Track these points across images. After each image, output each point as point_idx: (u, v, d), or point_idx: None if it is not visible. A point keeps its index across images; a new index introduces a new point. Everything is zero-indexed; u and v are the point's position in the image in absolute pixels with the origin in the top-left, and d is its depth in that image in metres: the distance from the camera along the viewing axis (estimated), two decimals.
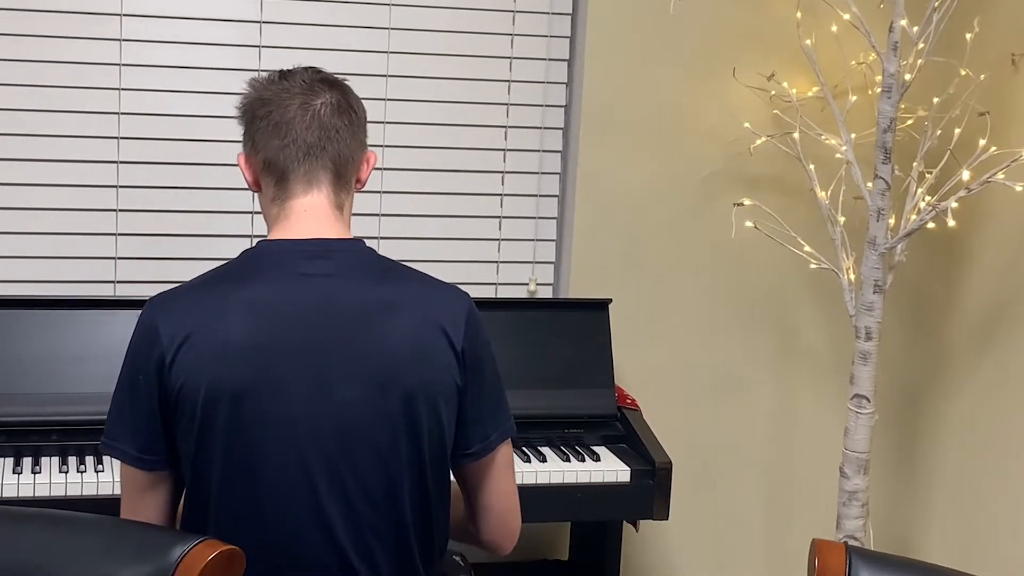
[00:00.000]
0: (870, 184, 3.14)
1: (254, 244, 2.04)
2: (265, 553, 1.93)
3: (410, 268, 2.10)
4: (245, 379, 1.90)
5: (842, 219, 3.28)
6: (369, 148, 2.11)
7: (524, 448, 3.03)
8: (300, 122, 1.99)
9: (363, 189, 3.21)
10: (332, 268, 1.98)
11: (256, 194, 2.09)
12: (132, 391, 1.96)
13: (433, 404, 1.96)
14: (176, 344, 1.91)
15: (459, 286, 3.29)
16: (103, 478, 2.69)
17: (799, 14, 3.25)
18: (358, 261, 2.02)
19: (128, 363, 1.98)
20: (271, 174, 2.01)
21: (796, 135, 3.30)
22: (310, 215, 2.00)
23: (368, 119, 3.22)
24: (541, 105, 3.46)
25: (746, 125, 3.40)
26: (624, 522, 3.24)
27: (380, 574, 1.98)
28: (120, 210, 3.21)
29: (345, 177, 2.04)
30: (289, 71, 2.05)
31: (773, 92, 3.39)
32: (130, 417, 1.97)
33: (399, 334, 1.95)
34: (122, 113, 3.18)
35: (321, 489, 1.92)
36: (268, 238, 2.03)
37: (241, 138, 2.07)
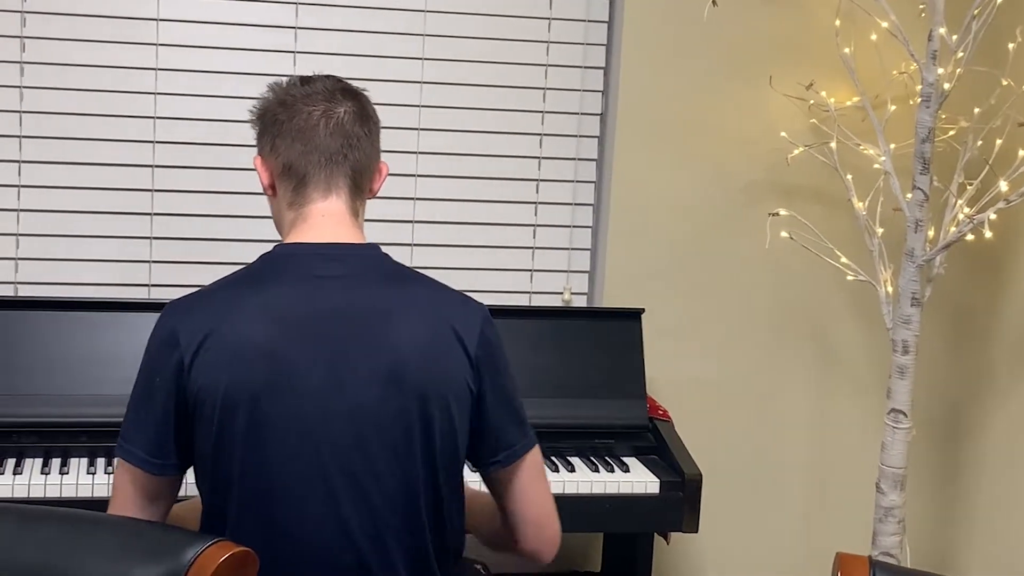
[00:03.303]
0: (908, 195, 3.10)
1: (271, 248, 2.04)
2: (283, 553, 1.93)
3: (424, 274, 2.11)
4: (262, 380, 1.91)
5: (880, 230, 3.24)
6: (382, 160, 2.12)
7: (553, 458, 3.00)
8: (323, 129, 2.00)
9: (398, 196, 3.30)
10: (348, 271, 1.99)
11: (268, 198, 2.09)
12: (148, 395, 1.97)
13: (446, 405, 1.96)
14: (194, 347, 1.92)
15: (493, 294, 3.38)
16: None
17: (838, 22, 3.22)
18: (374, 265, 2.03)
19: (145, 367, 1.99)
20: (290, 178, 2.02)
21: (833, 145, 3.27)
22: (328, 220, 2.02)
23: (402, 126, 3.29)
24: (577, 113, 3.44)
25: (783, 134, 3.37)
26: (655, 534, 3.20)
27: (396, 573, 1.97)
28: (155, 214, 3.23)
29: (361, 185, 2.06)
30: (310, 78, 2.07)
31: (812, 101, 3.36)
32: (144, 421, 1.97)
33: (412, 335, 1.96)
34: (158, 117, 3.20)
35: (338, 489, 1.93)
36: (285, 242, 2.04)
37: (256, 141, 2.08)
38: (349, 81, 2.11)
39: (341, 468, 1.92)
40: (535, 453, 2.10)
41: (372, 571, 1.95)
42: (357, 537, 1.94)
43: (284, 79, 2.09)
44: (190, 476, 2.03)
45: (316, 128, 2.00)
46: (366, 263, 2.02)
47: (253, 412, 1.91)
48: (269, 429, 1.91)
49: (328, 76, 2.08)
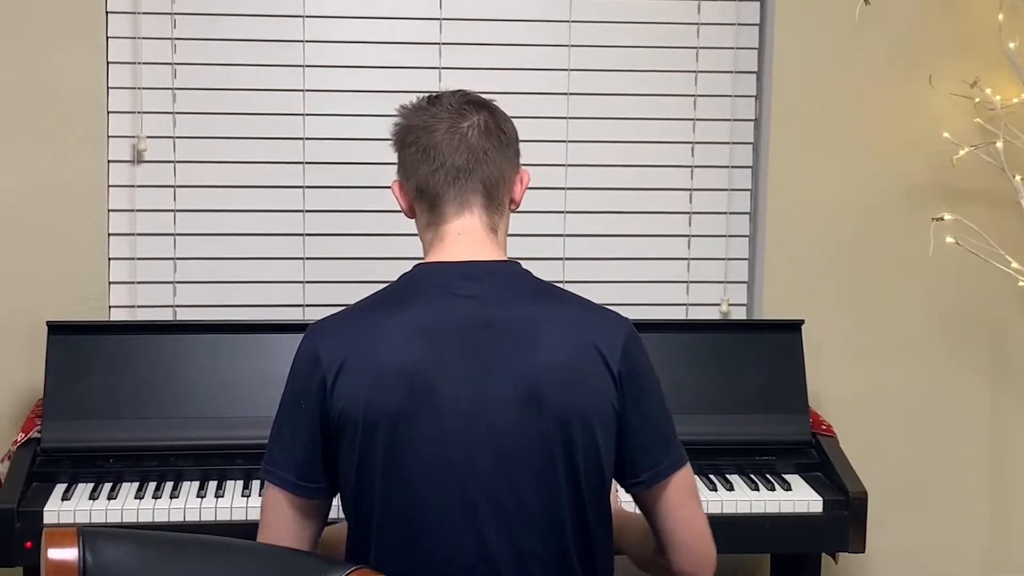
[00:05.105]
0: None
1: (411, 268, 2.02)
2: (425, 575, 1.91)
3: (565, 290, 2.06)
4: (401, 401, 1.89)
5: None
6: (522, 167, 2.07)
7: (711, 476, 2.93)
8: (448, 146, 1.97)
9: (548, 210, 3.26)
10: (486, 289, 1.96)
11: (413, 220, 2.08)
12: (293, 418, 1.96)
13: (588, 426, 1.91)
14: (335, 368, 1.91)
15: (648, 307, 3.32)
16: None
17: (1001, 16, 3.08)
18: (512, 282, 2.00)
19: (289, 390, 1.98)
20: (424, 200, 2.01)
21: (1000, 144, 3.13)
22: (464, 238, 1.99)
23: (550, 139, 3.26)
24: (729, 119, 3.36)
25: (946, 135, 3.24)
26: (823, 553, 3.10)
27: None
28: (307, 234, 3.25)
29: (497, 199, 2.02)
30: (437, 96, 2.05)
31: (976, 99, 3.22)
32: (291, 444, 1.97)
33: (553, 355, 1.92)
34: (307, 138, 3.22)
35: (480, 513, 1.89)
36: (424, 261, 2.02)
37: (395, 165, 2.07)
38: (487, 96, 2.07)
39: (482, 492, 1.89)
40: (685, 473, 2.02)
41: None
42: (500, 562, 1.90)
43: (412, 99, 2.07)
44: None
45: (441, 146, 1.97)
46: (504, 281, 1.98)
47: (393, 433, 1.89)
48: (409, 451, 1.89)
49: (455, 91, 2.05)
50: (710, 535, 2.06)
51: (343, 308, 2.04)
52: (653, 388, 2.00)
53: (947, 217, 3.22)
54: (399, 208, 2.07)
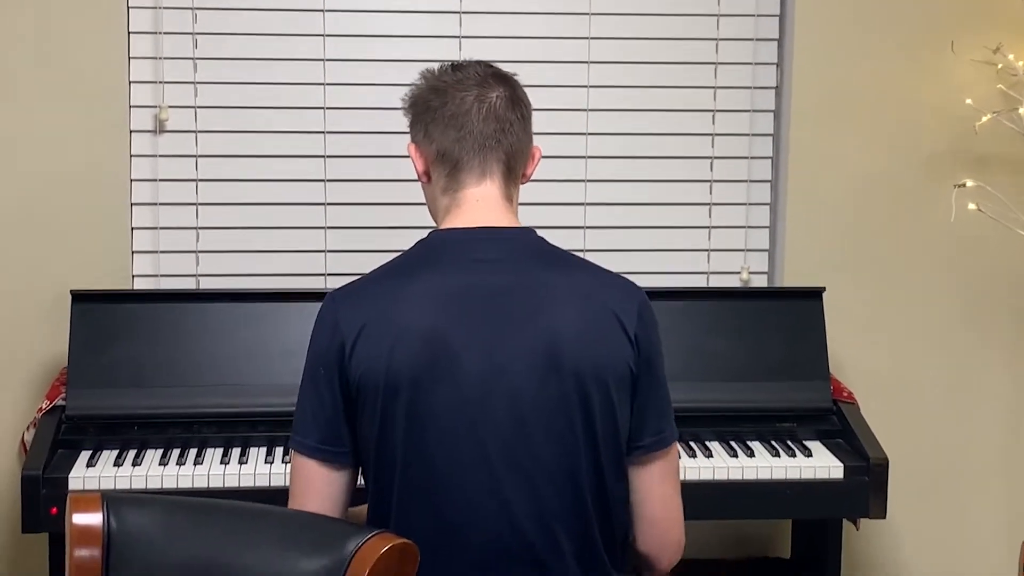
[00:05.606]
0: None
1: (427, 234, 2.03)
2: (448, 540, 1.94)
3: (579, 257, 2.09)
4: (422, 365, 1.91)
5: None
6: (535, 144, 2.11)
7: (732, 442, 2.94)
8: (476, 114, 2.00)
9: (569, 179, 3.26)
10: (504, 254, 1.99)
11: (422, 185, 2.10)
12: (315, 385, 1.99)
13: (604, 386, 1.94)
14: (355, 334, 1.93)
15: (669, 275, 3.32)
16: None
17: None
18: (530, 248, 2.03)
19: (310, 358, 2.01)
20: (444, 165, 2.03)
21: (1022, 110, 3.11)
22: (483, 204, 2.02)
23: (571, 107, 3.26)
24: (750, 87, 3.35)
25: (968, 101, 3.22)
26: (845, 520, 3.11)
27: (563, 559, 1.96)
28: (328, 203, 3.25)
29: (515, 170, 2.06)
30: (461, 63, 2.08)
31: (1000, 65, 3.20)
32: (314, 412, 1.99)
33: (570, 318, 1.94)
34: (327, 108, 3.23)
35: (501, 474, 1.92)
36: (440, 228, 2.05)
37: (409, 128, 2.09)
38: (508, 65, 2.11)
39: (503, 453, 1.91)
40: (674, 450, 2.07)
41: (540, 557, 1.94)
42: (523, 524, 1.93)
43: (435, 66, 2.09)
44: None
45: (469, 114, 2.00)
46: (522, 246, 2.02)
47: (414, 397, 1.91)
48: (429, 414, 1.92)
49: (479, 61, 2.08)
50: (682, 522, 2.10)
51: (361, 276, 2.06)
52: (662, 359, 2.04)
53: (969, 184, 3.21)
54: (416, 176, 2.09)
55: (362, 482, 2.05)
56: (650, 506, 2.05)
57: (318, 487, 2.00)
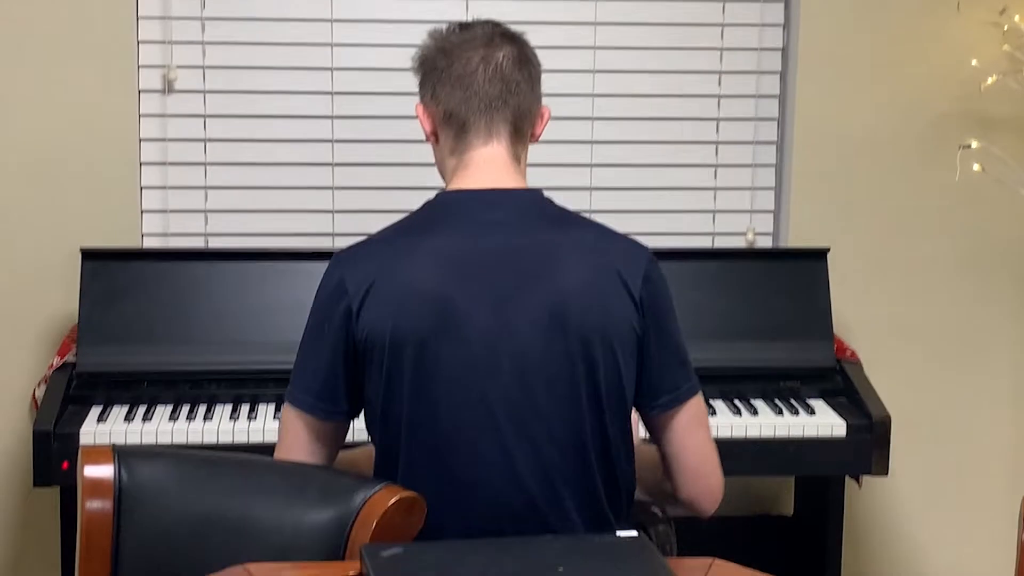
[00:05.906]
0: None
1: (434, 196, 2.04)
2: (454, 495, 1.95)
3: (586, 218, 2.09)
4: (429, 325, 1.92)
5: None
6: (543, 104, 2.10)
7: (736, 401, 2.96)
8: (482, 75, 2.00)
9: (575, 140, 3.27)
10: (511, 215, 1.99)
11: (431, 145, 2.10)
12: (317, 342, 2.00)
13: (609, 346, 1.95)
14: (362, 294, 1.94)
15: (675, 236, 3.33)
16: None
17: None
18: (536, 209, 2.03)
19: (314, 315, 2.02)
20: (451, 125, 2.03)
21: None
22: (489, 166, 2.02)
23: (577, 68, 3.26)
24: (756, 49, 3.35)
25: (974, 63, 3.22)
26: (847, 477, 3.14)
27: (568, 517, 1.98)
28: (336, 164, 3.27)
29: (523, 131, 2.05)
30: (468, 23, 2.07)
31: (1006, 27, 3.20)
32: (313, 368, 2.01)
33: (576, 278, 1.95)
34: (335, 68, 3.24)
35: (506, 431, 1.93)
36: (447, 188, 2.05)
37: (418, 88, 2.09)
38: (512, 25, 2.09)
39: (508, 411, 1.93)
40: (698, 400, 2.06)
41: (543, 513, 1.96)
42: (526, 480, 1.94)
43: (443, 25, 2.09)
44: (358, 422, 2.05)
45: (475, 74, 2.00)
46: (529, 207, 2.02)
47: (420, 356, 1.92)
48: (436, 373, 1.93)
49: (487, 21, 2.07)
50: (718, 464, 2.10)
51: (368, 236, 2.07)
52: (673, 315, 2.03)
53: (974, 145, 3.22)
54: (425, 137, 2.10)
55: (351, 437, 2.08)
56: (684, 457, 2.06)
57: (306, 442, 2.02)
